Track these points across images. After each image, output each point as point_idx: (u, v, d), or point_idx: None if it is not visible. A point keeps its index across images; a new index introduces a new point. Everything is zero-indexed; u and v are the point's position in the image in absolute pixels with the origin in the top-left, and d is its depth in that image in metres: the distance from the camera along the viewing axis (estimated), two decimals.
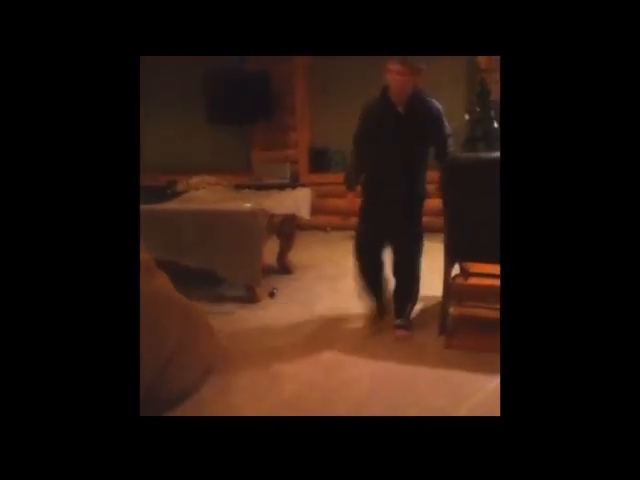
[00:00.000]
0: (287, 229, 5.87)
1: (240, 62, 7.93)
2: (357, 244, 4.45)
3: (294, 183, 6.48)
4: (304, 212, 5.94)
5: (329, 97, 8.27)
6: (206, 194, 5.85)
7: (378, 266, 4.49)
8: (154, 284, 3.02)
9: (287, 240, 6.06)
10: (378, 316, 4.62)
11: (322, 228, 8.14)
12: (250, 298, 5.24)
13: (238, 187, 6.13)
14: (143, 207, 3.39)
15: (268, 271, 5.81)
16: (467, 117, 7.99)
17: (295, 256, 6.45)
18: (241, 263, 5.11)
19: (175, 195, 5.73)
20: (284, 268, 6.10)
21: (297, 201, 5.81)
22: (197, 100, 8.74)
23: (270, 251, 5.92)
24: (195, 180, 6.20)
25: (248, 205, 5.13)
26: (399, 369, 4.28)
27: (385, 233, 4.34)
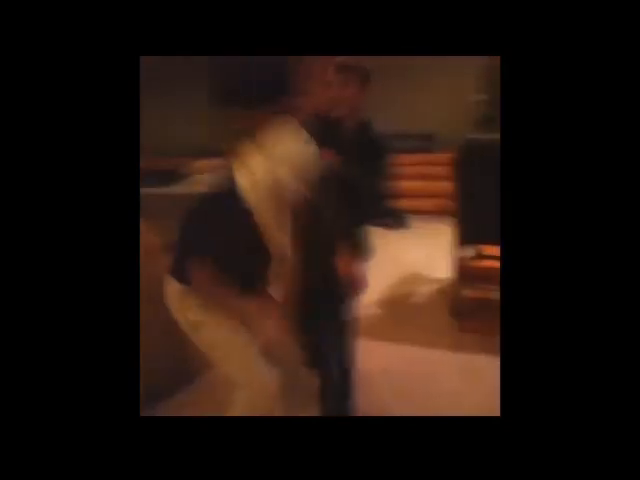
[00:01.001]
0: None
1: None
2: None
3: None
4: None
5: None
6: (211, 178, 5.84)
7: None
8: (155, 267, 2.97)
9: None
10: None
11: None
12: None
13: None
14: (149, 190, 3.34)
15: None
16: (478, 98, 7.99)
17: None
18: None
19: (180, 179, 5.73)
20: None
21: None
22: (201, 83, 8.68)
23: None
24: (200, 164, 6.19)
25: None
26: (412, 351, 4.32)
27: None
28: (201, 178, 5.90)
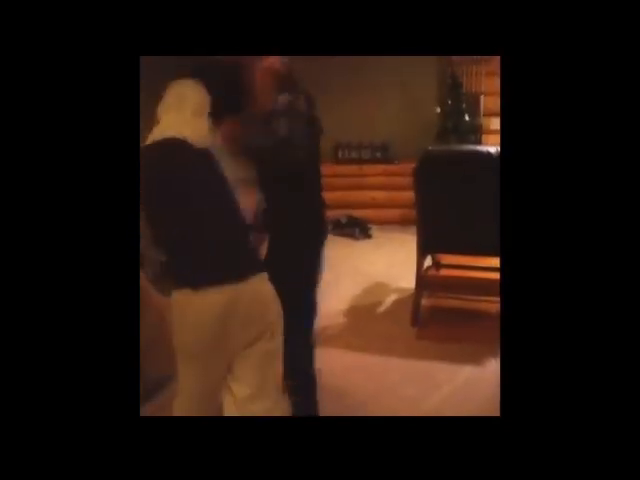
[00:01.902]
0: None
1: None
2: None
3: None
4: None
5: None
6: None
7: None
8: None
9: None
10: None
11: None
12: None
13: None
14: None
15: None
16: (438, 110, 8.05)
17: None
18: None
19: None
20: None
21: None
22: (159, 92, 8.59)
23: None
24: None
25: None
26: (373, 360, 4.37)
27: None
28: None
